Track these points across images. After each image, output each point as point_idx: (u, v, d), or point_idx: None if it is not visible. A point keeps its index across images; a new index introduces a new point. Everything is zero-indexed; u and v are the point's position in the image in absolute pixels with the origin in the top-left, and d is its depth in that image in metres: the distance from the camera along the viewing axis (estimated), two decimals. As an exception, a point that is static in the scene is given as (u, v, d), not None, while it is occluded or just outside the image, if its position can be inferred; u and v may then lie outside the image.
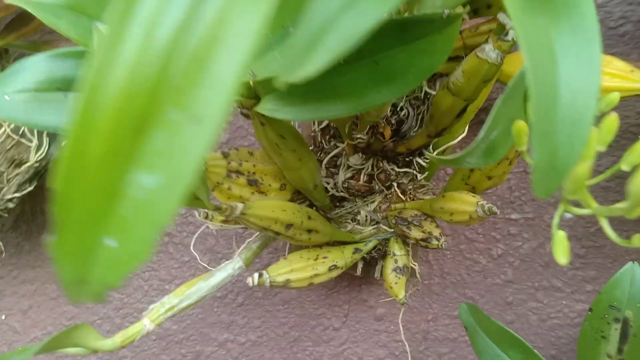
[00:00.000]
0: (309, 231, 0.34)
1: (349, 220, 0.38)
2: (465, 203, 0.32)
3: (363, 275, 0.40)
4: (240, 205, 0.30)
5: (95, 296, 0.14)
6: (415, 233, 0.36)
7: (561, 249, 0.17)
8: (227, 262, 0.34)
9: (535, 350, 0.30)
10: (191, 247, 0.42)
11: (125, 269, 0.13)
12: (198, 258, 0.42)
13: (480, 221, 0.32)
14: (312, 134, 0.38)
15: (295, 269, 0.35)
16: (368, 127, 0.34)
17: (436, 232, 0.36)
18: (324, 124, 0.37)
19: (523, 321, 0.43)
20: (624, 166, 0.15)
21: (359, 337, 0.44)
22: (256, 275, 0.33)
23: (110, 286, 0.13)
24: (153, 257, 0.45)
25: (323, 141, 0.38)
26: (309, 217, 0.34)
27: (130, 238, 0.13)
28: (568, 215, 0.41)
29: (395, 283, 0.36)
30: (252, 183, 0.34)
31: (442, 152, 0.35)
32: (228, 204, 0.29)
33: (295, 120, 0.34)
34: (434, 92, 0.36)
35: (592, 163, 0.15)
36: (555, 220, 0.18)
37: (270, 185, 0.35)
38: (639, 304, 0.26)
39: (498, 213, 0.31)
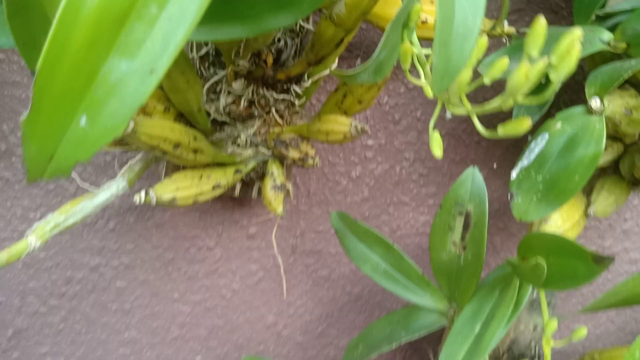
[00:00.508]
0: (195, 151, 0.36)
1: (230, 144, 0.40)
2: (340, 124, 0.36)
3: (241, 196, 0.42)
4: (131, 123, 0.31)
5: (62, 171, 0.15)
6: (294, 153, 0.39)
7: (436, 145, 0.22)
8: (110, 181, 0.35)
9: (394, 245, 0.36)
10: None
11: (96, 145, 0.15)
12: (78, 180, 0.42)
13: (353, 139, 0.36)
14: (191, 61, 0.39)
15: (180, 187, 0.36)
16: (251, 55, 0.36)
17: (312, 152, 0.39)
18: (203, 51, 0.39)
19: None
20: (486, 80, 0.19)
21: (232, 254, 0.47)
22: (143, 192, 0.34)
23: (80, 161, 0.15)
24: (15, 186, 0.43)
25: (202, 68, 0.39)
26: (195, 138, 0.36)
27: (103, 117, 0.14)
28: (448, 115, 0.47)
29: (275, 199, 0.39)
30: (137, 103, 0.35)
31: (316, 81, 0.38)
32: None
33: (193, 41, 0.35)
34: (308, 26, 0.39)
35: (471, 71, 0.19)
36: (431, 123, 0.22)
37: (154, 107, 0.36)
38: (478, 199, 0.32)
39: (368, 132, 0.36)
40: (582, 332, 0.29)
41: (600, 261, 0.28)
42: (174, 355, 0.48)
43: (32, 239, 0.32)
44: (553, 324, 0.30)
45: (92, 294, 0.46)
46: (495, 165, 0.50)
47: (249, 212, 0.47)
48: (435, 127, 0.22)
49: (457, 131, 0.48)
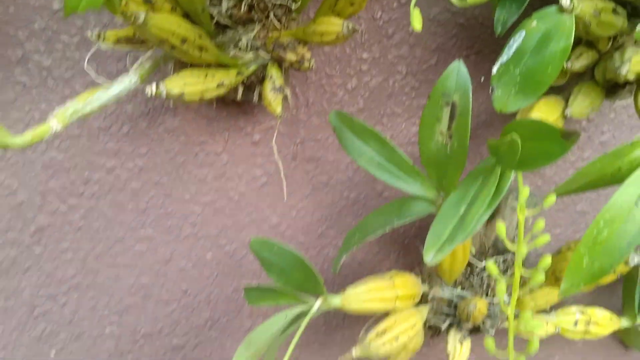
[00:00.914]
0: (200, 49, 0.39)
1: (232, 47, 0.43)
2: (333, 24, 0.39)
3: (243, 99, 0.45)
4: (143, 14, 0.34)
5: (93, 4, 0.18)
6: (291, 56, 0.42)
7: (416, 20, 0.25)
8: (123, 75, 0.38)
9: (387, 139, 0.39)
10: (85, 64, 0.45)
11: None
12: (93, 75, 0.45)
13: (345, 39, 0.39)
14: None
15: (188, 82, 0.39)
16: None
17: (307, 54, 0.42)
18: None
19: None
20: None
21: (238, 160, 0.51)
22: (154, 84, 0.37)
23: None
24: (32, 91, 0.47)
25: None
26: (200, 36, 0.39)
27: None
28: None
29: (274, 100, 0.42)
30: (147, 1, 0.37)
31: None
32: (132, 11, 0.33)
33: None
34: None
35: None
36: (412, 4, 0.25)
37: (162, 5, 0.38)
38: (463, 90, 0.35)
39: (359, 30, 0.38)
40: (552, 198, 0.33)
41: (568, 137, 0.31)
42: (186, 252, 0.53)
43: (54, 122, 0.35)
44: (525, 192, 0.33)
45: (109, 194, 0.50)
46: (482, 79, 0.52)
47: (252, 120, 0.51)
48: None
49: (447, 46, 0.51)
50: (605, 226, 0.34)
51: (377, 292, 0.45)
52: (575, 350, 0.61)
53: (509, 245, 0.35)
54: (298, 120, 0.51)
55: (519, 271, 0.34)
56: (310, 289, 0.43)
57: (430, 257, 0.37)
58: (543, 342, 0.58)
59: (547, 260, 0.34)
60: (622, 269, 0.40)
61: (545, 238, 0.34)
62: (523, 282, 0.50)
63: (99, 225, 0.51)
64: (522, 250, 0.34)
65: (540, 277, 0.34)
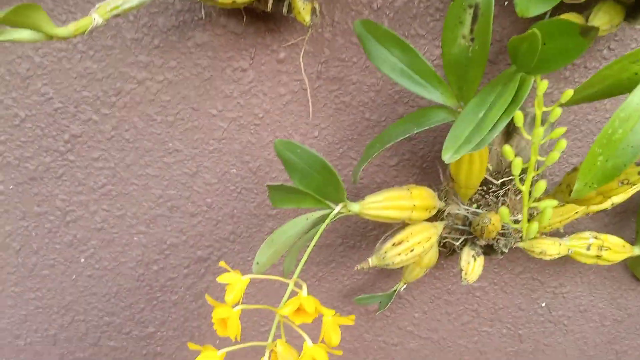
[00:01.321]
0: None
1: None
2: None
3: (273, 10, 0.47)
4: None
5: None
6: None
7: None
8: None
9: (411, 46, 0.40)
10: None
11: None
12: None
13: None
14: None
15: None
16: None
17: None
18: None
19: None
20: None
21: (263, 77, 0.53)
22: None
23: None
24: None
25: None
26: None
27: None
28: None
29: (303, 8, 0.44)
30: None
31: None
32: None
33: None
34: None
35: None
36: None
37: None
38: (485, -10, 0.36)
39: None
40: (569, 92, 0.34)
41: (587, 33, 0.32)
42: (212, 166, 0.55)
43: (96, 16, 0.37)
44: (543, 85, 0.35)
45: (139, 106, 0.52)
46: (506, 3, 0.53)
47: (279, 37, 0.52)
48: None
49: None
50: (620, 125, 0.35)
51: (395, 201, 0.47)
52: (586, 280, 0.63)
53: (525, 133, 0.36)
54: (323, 39, 0.52)
55: (534, 156, 0.35)
56: (332, 194, 0.45)
57: (448, 156, 0.38)
58: (555, 272, 0.60)
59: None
60: (636, 179, 0.41)
61: (560, 130, 0.35)
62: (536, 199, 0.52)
63: (129, 136, 0.54)
64: (538, 135, 0.35)
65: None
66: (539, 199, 0.37)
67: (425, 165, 0.58)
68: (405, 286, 0.57)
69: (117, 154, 0.54)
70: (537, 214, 0.51)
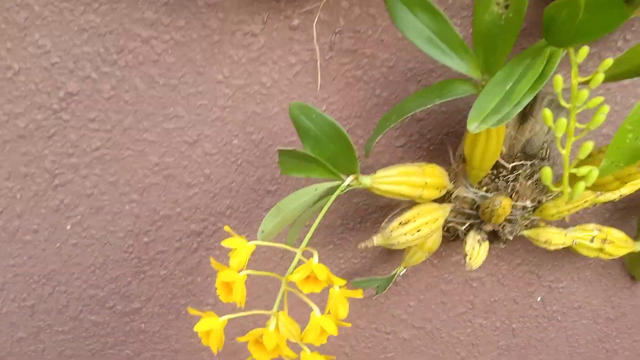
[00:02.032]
0: None
1: None
2: None
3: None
4: None
5: None
6: None
7: None
8: None
9: (441, 12, 0.40)
10: None
11: None
12: None
13: None
14: None
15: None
16: None
17: None
18: None
19: None
20: None
21: (274, 44, 0.51)
22: None
23: None
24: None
25: None
26: None
27: None
28: None
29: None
30: None
31: None
32: None
33: None
34: None
35: None
36: None
37: None
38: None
39: None
40: (608, 62, 0.34)
41: (632, 1, 0.32)
42: (213, 135, 0.53)
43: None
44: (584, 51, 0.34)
45: (142, 66, 0.50)
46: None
47: (293, 3, 0.51)
48: None
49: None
50: (654, 102, 0.34)
51: (407, 177, 0.46)
52: (582, 277, 0.63)
53: (562, 101, 0.35)
54: (339, 8, 0.51)
55: (573, 122, 0.34)
56: (344, 165, 0.43)
57: (474, 126, 0.38)
58: (552, 266, 0.60)
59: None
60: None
61: (598, 99, 0.34)
62: (547, 194, 0.51)
63: (129, 98, 0.51)
64: (582, 97, 0.34)
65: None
66: (583, 162, 0.36)
67: (432, 148, 0.57)
68: (404, 271, 0.56)
69: (114, 115, 0.52)
70: (546, 201, 0.50)
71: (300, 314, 0.44)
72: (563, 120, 0.34)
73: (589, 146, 0.34)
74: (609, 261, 0.63)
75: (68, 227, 0.55)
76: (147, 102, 0.52)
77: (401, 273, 0.56)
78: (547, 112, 0.35)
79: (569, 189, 0.37)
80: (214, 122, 0.53)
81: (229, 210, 0.56)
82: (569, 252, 0.62)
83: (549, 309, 0.64)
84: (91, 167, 0.53)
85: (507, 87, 0.39)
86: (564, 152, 0.35)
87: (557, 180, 0.54)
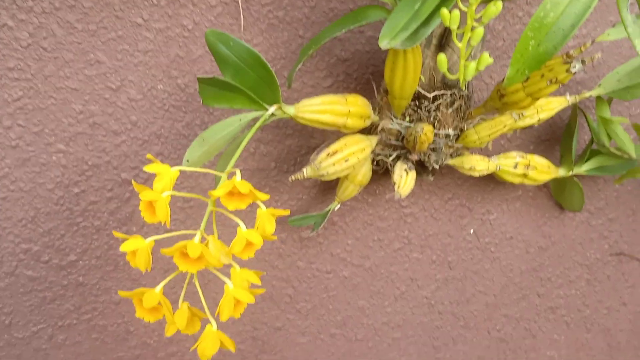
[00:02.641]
0: None
1: None
2: None
3: None
4: None
5: None
6: None
7: None
8: None
9: None
10: None
11: None
12: None
13: None
14: None
15: None
16: None
17: None
18: None
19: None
20: None
21: (193, -16, 0.51)
22: None
23: None
24: None
25: None
26: None
27: None
28: None
29: None
30: None
31: None
32: None
33: None
34: None
35: None
36: None
37: None
38: None
39: None
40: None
41: None
42: (137, 81, 0.53)
43: None
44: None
45: (59, 11, 0.50)
46: None
47: (210, -57, 0.51)
48: None
49: None
50: (551, 9, 0.37)
51: (330, 105, 0.47)
52: (512, 208, 0.66)
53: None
54: (256, -53, 0.52)
55: (470, 20, 0.36)
56: (266, 94, 0.45)
57: (385, 42, 0.39)
58: (482, 199, 0.62)
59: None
60: (563, 78, 0.44)
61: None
62: (469, 116, 0.53)
63: (47, 45, 0.51)
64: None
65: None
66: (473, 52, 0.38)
67: (359, 88, 0.58)
68: (339, 206, 0.58)
69: (34, 64, 0.51)
70: (467, 128, 0.53)
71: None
72: (456, 13, 0.36)
73: (479, 32, 0.36)
74: (537, 192, 0.67)
75: (-6, 182, 0.54)
76: (66, 48, 0.52)
77: (336, 208, 0.58)
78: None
79: (462, 76, 0.39)
80: (137, 67, 0.53)
81: (160, 157, 0.56)
82: (498, 185, 0.65)
83: (482, 241, 0.67)
84: (14, 118, 0.53)
85: (416, 7, 0.40)
86: (460, 44, 0.37)
87: (477, 105, 0.56)
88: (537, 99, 0.46)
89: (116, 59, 0.53)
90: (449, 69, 0.52)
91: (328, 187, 0.61)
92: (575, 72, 0.44)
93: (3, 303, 0.58)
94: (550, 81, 0.45)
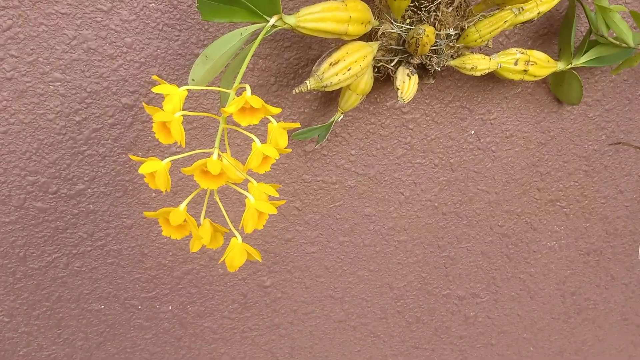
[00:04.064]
0: None
1: None
2: None
3: None
4: None
5: None
6: None
7: None
8: None
9: None
10: None
11: None
12: None
13: None
14: None
15: None
16: None
17: None
18: None
19: None
20: None
21: None
22: None
23: None
24: None
25: None
26: None
27: None
28: None
29: None
30: None
31: None
32: None
33: None
34: None
35: None
36: None
37: None
38: None
39: None
40: None
41: None
42: (128, 1, 0.52)
43: None
44: None
45: None
46: None
47: None
48: None
49: None
50: None
51: (331, 12, 0.47)
52: (511, 106, 0.67)
53: None
54: None
55: None
56: (266, 6, 0.44)
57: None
58: (482, 99, 0.63)
59: None
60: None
61: None
62: (469, 14, 0.53)
63: (30, -32, 0.50)
64: None
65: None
66: None
67: (354, -8, 0.58)
68: (342, 116, 0.59)
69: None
70: (468, 27, 0.53)
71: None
72: None
73: None
74: (536, 88, 0.68)
75: (-6, 116, 0.54)
76: (51, -30, 0.50)
77: (339, 119, 0.58)
78: None
79: None
80: (127, -15, 0.52)
81: (156, 82, 0.56)
82: (497, 84, 0.66)
83: (483, 141, 0.69)
84: (6, 49, 0.52)
85: None
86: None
87: (476, 3, 0.56)
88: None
89: (103, -21, 0.52)
90: (447, -34, 0.52)
91: (329, 99, 0.62)
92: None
93: (16, 236, 0.60)
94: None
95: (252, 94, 0.38)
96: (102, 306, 0.66)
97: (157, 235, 0.63)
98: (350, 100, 0.56)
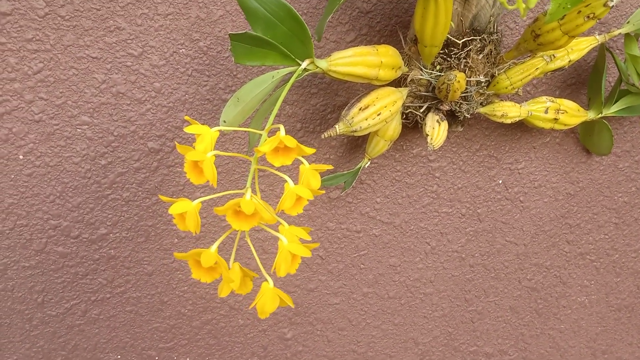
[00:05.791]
0: None
1: None
2: None
3: None
4: None
5: None
6: None
7: None
8: None
9: None
10: None
11: None
12: None
13: None
14: None
15: None
16: None
17: None
18: None
19: None
20: None
21: (210, -58, 0.50)
22: None
23: None
24: None
25: None
26: None
27: None
28: None
29: None
30: None
31: None
32: None
33: None
34: None
35: None
36: None
37: None
38: None
39: None
40: None
41: None
42: (158, 46, 0.53)
43: None
44: None
45: (74, -24, 0.49)
46: None
47: None
48: None
49: None
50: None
51: (362, 57, 0.47)
52: (540, 156, 0.66)
53: None
54: None
55: None
56: (298, 49, 0.44)
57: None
58: (510, 148, 0.62)
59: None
60: (600, 13, 0.43)
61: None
62: (500, 61, 0.53)
63: (65, 13, 0.50)
64: None
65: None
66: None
67: (383, 40, 0.58)
68: (369, 163, 0.58)
69: (52, 34, 0.51)
70: (499, 74, 0.53)
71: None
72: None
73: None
74: (564, 138, 0.67)
75: (20, 157, 0.54)
76: (84, 16, 0.51)
77: (366, 165, 0.58)
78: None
79: (523, 5, 0.38)
80: (158, 31, 0.53)
81: (185, 123, 0.56)
82: (525, 133, 0.65)
83: (511, 191, 0.67)
84: (36, 91, 0.52)
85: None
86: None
87: (506, 50, 0.56)
88: (574, 37, 0.46)
89: (136, 24, 0.52)
90: (477, 15, 0.52)
91: (355, 146, 0.61)
92: (612, 6, 0.44)
93: (35, 281, 0.59)
94: (588, 17, 0.44)
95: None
96: (119, 356, 0.64)
97: (178, 282, 0.62)
98: (379, 146, 0.56)
